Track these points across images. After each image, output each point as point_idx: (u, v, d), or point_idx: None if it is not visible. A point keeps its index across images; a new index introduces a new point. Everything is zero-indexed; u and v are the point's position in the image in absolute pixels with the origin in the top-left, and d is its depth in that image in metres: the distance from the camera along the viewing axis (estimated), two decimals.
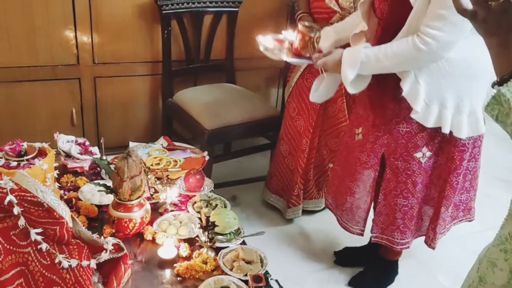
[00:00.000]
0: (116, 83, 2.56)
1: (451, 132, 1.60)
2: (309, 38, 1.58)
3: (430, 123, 1.59)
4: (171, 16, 2.45)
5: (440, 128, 1.60)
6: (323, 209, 2.51)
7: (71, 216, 1.20)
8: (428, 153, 1.69)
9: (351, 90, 1.60)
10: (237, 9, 2.60)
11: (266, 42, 1.64)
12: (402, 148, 1.69)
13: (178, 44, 2.56)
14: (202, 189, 1.73)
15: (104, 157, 1.85)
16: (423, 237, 1.92)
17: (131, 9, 2.43)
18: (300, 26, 1.60)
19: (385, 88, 1.64)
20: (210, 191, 1.72)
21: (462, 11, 0.81)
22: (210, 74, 2.72)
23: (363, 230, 1.93)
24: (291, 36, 1.65)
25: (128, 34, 2.48)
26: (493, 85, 0.81)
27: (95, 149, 1.88)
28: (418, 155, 1.69)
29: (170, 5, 2.40)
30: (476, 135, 1.66)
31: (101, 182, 1.61)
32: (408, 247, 1.88)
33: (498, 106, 0.79)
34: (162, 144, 2.03)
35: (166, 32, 2.46)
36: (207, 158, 1.94)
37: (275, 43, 1.66)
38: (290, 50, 1.64)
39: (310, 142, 2.24)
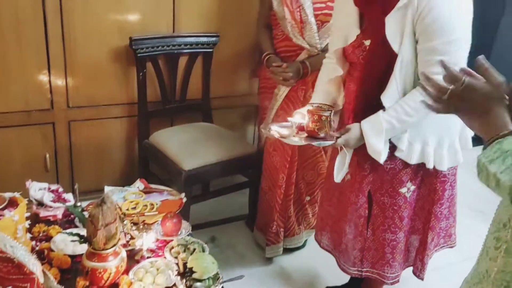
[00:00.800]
0: (91, 126, 2.54)
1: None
2: (326, 117, 1.56)
3: (413, 160, 1.65)
4: (146, 59, 2.47)
5: (422, 162, 1.65)
6: (304, 245, 2.50)
7: (43, 270, 1.16)
8: (412, 187, 1.73)
9: (383, 159, 1.61)
10: (211, 50, 2.64)
11: (281, 130, 1.61)
12: (388, 184, 1.72)
13: (153, 85, 2.57)
14: (179, 232, 1.70)
15: (79, 203, 1.81)
16: (408, 268, 1.92)
17: (106, 52, 2.44)
18: (310, 107, 1.60)
19: None
20: (188, 235, 1.70)
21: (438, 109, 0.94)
22: (186, 113, 2.73)
23: (362, 271, 1.88)
24: (300, 120, 1.62)
25: (103, 77, 2.48)
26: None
27: (69, 196, 1.84)
28: (403, 190, 1.72)
29: (145, 49, 2.42)
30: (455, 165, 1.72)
31: (75, 230, 1.57)
32: (398, 281, 1.88)
33: (482, 173, 0.86)
34: (138, 187, 2.00)
35: (141, 74, 2.47)
36: (184, 200, 1.92)
37: (289, 130, 1.63)
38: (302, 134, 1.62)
39: (287, 178, 2.25)
